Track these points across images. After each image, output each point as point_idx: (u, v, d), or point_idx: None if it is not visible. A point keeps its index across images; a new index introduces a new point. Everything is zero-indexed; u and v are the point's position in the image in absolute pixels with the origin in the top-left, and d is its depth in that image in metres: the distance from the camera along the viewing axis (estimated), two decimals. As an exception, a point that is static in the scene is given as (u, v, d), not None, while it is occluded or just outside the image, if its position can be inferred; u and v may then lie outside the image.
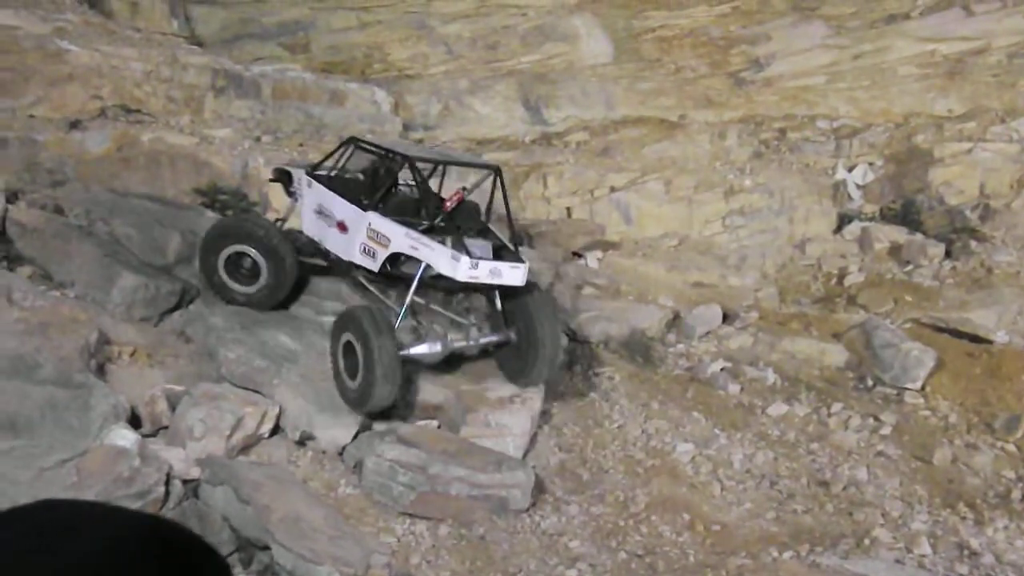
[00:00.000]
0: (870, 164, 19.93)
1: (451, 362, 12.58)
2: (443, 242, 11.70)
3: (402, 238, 12.00)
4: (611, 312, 15.18)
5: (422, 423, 11.90)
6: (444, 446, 11.35)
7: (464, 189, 12.50)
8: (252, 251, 12.79)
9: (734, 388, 14.39)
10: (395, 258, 12.10)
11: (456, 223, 12.06)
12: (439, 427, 11.95)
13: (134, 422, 10.85)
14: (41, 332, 11.11)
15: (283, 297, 13.10)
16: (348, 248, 12.46)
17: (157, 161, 15.37)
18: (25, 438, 10.22)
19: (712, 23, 20.07)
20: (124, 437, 10.39)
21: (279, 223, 13.35)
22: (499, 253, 12.00)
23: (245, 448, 11.20)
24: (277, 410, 11.45)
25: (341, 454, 11.52)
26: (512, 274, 11.92)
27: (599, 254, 17.08)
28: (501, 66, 19.41)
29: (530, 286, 12.46)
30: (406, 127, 17.68)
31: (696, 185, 18.67)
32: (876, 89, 20.41)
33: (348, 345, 11.65)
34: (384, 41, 19.23)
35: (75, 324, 11.38)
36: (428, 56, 19.22)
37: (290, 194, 13.64)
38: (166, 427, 11.15)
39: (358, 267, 12.52)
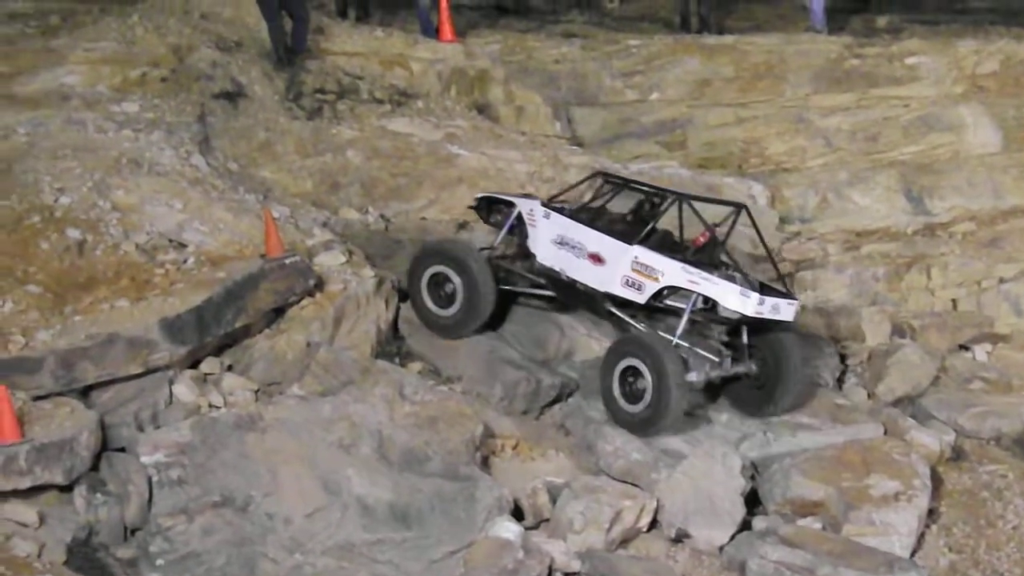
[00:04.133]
0: None
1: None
2: (731, 278, 12.20)
3: (679, 272, 12.32)
4: (1002, 407, 14.46)
5: (803, 521, 11.66)
6: (829, 546, 11.11)
7: (714, 226, 12.72)
8: (451, 273, 13.22)
9: None
10: (659, 291, 12.43)
11: (710, 260, 12.54)
12: (823, 528, 11.68)
13: (517, 514, 11.14)
14: (430, 426, 11.59)
15: (479, 325, 13.38)
16: (604, 280, 12.75)
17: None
18: (416, 530, 10.69)
19: (1115, 108, 19.28)
20: (508, 529, 10.69)
21: (485, 251, 13.68)
22: (763, 289, 12.39)
23: (624, 542, 11.28)
24: (655, 504, 11.49)
25: (720, 551, 11.42)
26: (788, 310, 12.43)
27: (988, 347, 16.36)
28: (882, 157, 19.11)
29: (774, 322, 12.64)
30: (782, 220, 17.55)
31: (1096, 277, 17.72)
32: None
33: (630, 370, 12.03)
34: (761, 136, 19.27)
35: (461, 418, 11.82)
36: (806, 149, 19.12)
37: (491, 223, 14.09)
38: (547, 519, 11.39)
39: (610, 297, 12.77)
